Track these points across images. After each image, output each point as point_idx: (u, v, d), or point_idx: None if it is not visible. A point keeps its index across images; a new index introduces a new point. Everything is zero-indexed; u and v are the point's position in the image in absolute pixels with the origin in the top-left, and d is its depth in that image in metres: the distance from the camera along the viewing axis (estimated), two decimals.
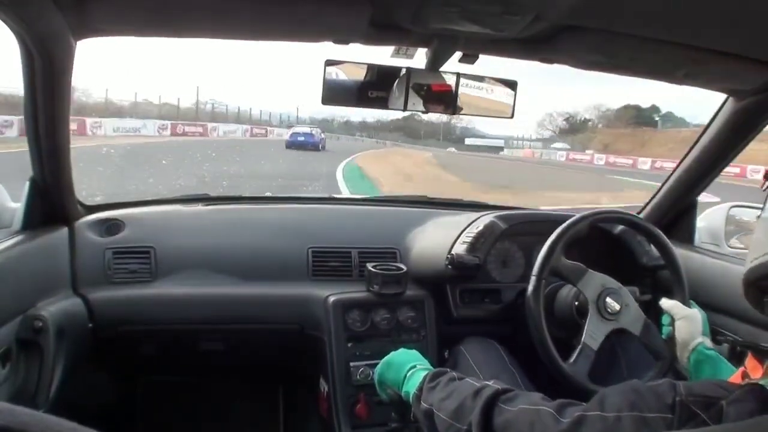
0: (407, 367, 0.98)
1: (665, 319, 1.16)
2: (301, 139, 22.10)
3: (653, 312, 1.23)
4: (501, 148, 48.87)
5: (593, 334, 1.17)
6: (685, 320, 1.11)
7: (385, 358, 1.05)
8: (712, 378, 1.00)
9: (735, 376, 0.86)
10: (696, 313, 1.13)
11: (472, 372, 1.25)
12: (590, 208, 1.33)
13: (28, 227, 1.20)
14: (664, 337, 1.16)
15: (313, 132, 23.45)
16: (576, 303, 1.24)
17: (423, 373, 0.93)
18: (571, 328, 1.25)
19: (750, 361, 0.79)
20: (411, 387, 0.93)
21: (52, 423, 0.29)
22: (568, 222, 1.25)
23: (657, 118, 47.80)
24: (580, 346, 1.17)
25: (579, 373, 1.15)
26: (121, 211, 1.54)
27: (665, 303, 1.16)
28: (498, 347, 1.35)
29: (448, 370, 0.91)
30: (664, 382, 0.62)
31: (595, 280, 1.21)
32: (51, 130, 1.12)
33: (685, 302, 1.19)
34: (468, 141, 50.65)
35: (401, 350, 1.06)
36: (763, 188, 0.71)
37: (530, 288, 1.21)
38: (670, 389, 0.61)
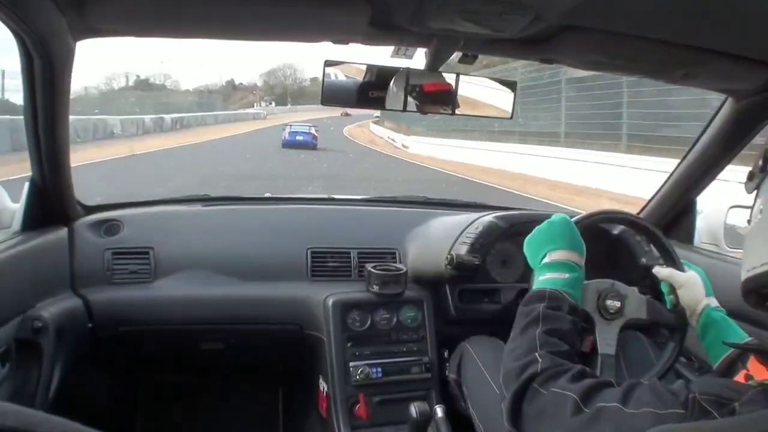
0: (541, 254, 0.98)
1: (664, 287, 1.13)
2: (300, 138, 21.03)
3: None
4: None
5: (606, 340, 1.14)
6: (686, 287, 1.08)
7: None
8: (718, 344, 0.99)
9: (738, 377, 0.84)
10: (695, 276, 1.09)
11: (478, 371, 1.23)
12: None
13: (27, 228, 1.20)
14: (669, 307, 1.13)
15: (311, 130, 22.19)
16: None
17: (545, 271, 0.94)
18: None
19: (753, 364, 0.78)
20: (533, 283, 0.94)
21: (58, 423, 0.29)
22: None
23: None
24: (599, 360, 1.13)
25: None
26: (120, 211, 1.54)
27: (660, 272, 1.13)
28: (503, 345, 1.32)
29: (546, 290, 0.90)
30: (678, 383, 0.66)
31: (588, 290, 1.17)
32: (51, 130, 1.13)
33: (679, 267, 1.14)
34: None
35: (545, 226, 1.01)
36: (761, 171, 0.68)
37: None
38: (683, 387, 0.63)
